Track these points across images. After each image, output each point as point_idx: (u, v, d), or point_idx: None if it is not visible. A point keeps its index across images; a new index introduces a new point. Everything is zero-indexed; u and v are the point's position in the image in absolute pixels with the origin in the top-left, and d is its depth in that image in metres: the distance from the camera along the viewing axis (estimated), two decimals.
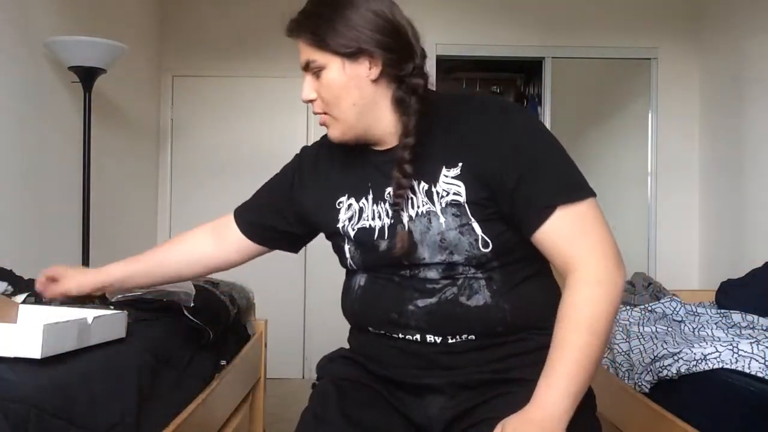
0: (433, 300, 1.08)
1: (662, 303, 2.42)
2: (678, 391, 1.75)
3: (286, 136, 4.24)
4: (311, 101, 1.14)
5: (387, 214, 1.12)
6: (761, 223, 3.18)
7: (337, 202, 1.18)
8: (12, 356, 1.12)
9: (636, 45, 3.93)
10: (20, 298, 1.68)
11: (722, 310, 2.30)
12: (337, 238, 1.20)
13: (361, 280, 1.17)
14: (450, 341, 1.09)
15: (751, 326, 2.12)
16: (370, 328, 1.16)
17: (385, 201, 1.12)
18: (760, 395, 1.51)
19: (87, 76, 2.71)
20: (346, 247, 1.17)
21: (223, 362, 1.95)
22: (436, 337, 1.09)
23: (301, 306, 4.21)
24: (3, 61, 2.41)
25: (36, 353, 1.11)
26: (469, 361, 1.10)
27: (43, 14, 2.70)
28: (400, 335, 1.11)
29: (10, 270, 2.02)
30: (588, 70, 4.16)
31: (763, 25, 3.23)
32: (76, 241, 2.83)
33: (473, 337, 1.09)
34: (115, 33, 2.98)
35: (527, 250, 1.09)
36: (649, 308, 2.40)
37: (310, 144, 1.36)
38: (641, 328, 2.19)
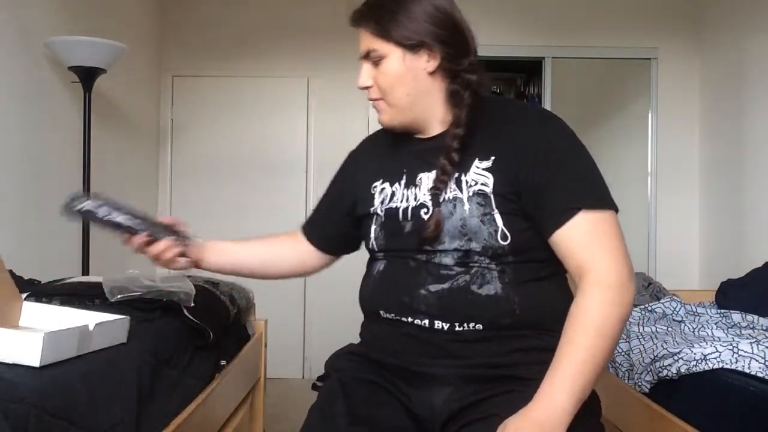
0: (445, 286, 1.10)
1: (662, 303, 2.42)
2: (678, 391, 1.75)
3: (286, 136, 4.24)
4: (367, 88, 1.19)
5: (415, 198, 1.16)
6: (761, 224, 3.18)
7: (373, 186, 1.24)
8: (11, 362, 1.12)
9: (636, 45, 3.93)
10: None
11: (722, 310, 2.30)
12: (367, 220, 1.24)
13: (380, 266, 1.21)
14: (457, 329, 1.10)
15: (751, 326, 2.12)
16: (382, 312, 1.18)
17: (416, 186, 1.17)
18: (760, 395, 1.51)
19: (87, 76, 2.71)
20: (372, 228, 1.22)
21: (223, 362, 1.95)
22: (444, 324, 1.11)
23: (301, 306, 4.21)
24: (3, 61, 2.41)
25: (35, 361, 1.12)
26: (475, 352, 1.11)
27: (43, 14, 2.70)
28: (410, 319, 1.13)
29: (11, 270, 2.01)
30: (588, 70, 4.16)
31: (763, 25, 3.22)
32: (76, 241, 2.83)
33: (480, 326, 1.10)
34: (115, 33, 2.98)
35: (544, 252, 1.12)
36: (649, 308, 2.40)
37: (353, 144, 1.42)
38: (641, 328, 2.19)
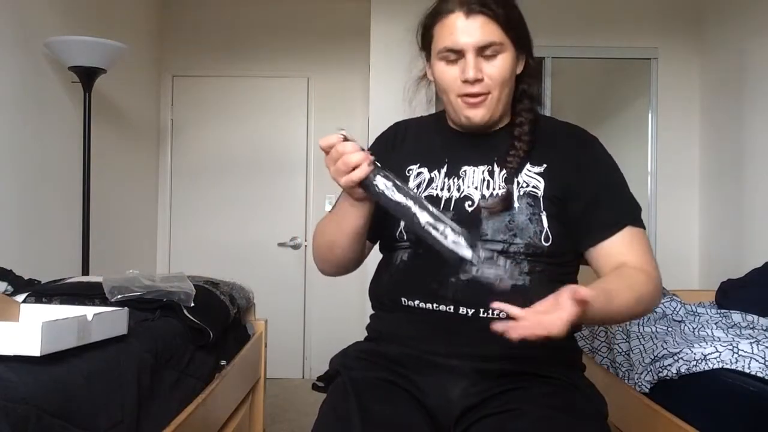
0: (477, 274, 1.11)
1: (662, 303, 2.41)
2: (678, 391, 1.75)
3: (286, 136, 4.24)
4: (477, 81, 1.15)
5: (458, 189, 1.19)
6: (761, 223, 3.18)
7: (407, 169, 1.24)
8: (12, 354, 1.12)
9: (636, 45, 3.92)
10: (20, 297, 1.68)
11: (722, 310, 2.30)
12: None
13: (403, 255, 1.21)
14: (481, 315, 1.11)
15: (751, 326, 2.12)
16: (404, 299, 1.18)
17: (459, 177, 1.20)
18: (760, 395, 1.51)
19: (87, 76, 2.71)
20: None
21: (223, 362, 1.95)
22: (469, 309, 1.12)
23: (301, 306, 4.21)
24: (3, 61, 2.41)
25: (35, 351, 1.11)
26: (495, 341, 1.09)
27: (43, 14, 2.70)
28: (434, 305, 1.14)
29: (10, 270, 2.02)
30: (588, 70, 4.15)
31: (763, 25, 3.22)
32: (76, 241, 2.83)
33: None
34: (115, 33, 2.98)
35: (572, 260, 1.21)
36: None
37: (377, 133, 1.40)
38: (641, 328, 2.19)
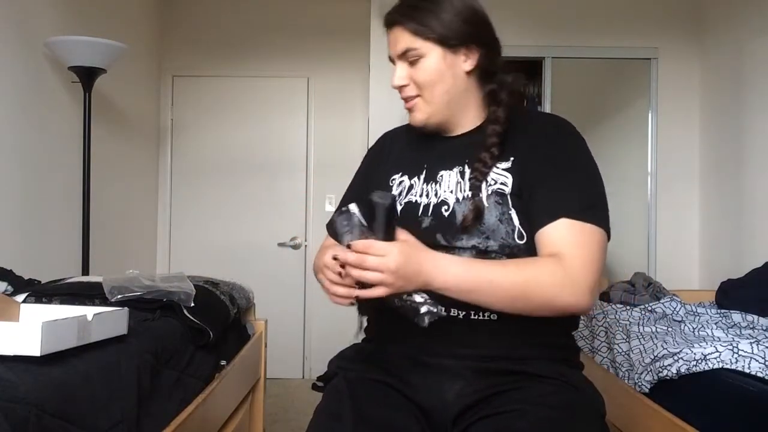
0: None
1: (662, 303, 2.42)
2: (678, 391, 1.75)
3: (286, 136, 4.24)
4: (402, 87, 1.21)
5: (436, 194, 1.19)
6: (761, 223, 3.18)
7: (391, 178, 1.27)
8: (12, 354, 1.12)
9: (636, 45, 3.92)
10: (20, 297, 1.68)
11: (722, 310, 2.30)
12: None
13: None
14: (473, 317, 1.11)
15: (751, 326, 2.12)
16: (396, 301, 1.17)
17: (437, 182, 1.20)
18: (760, 395, 1.51)
19: (87, 76, 2.71)
20: None
21: (223, 362, 1.95)
22: (461, 312, 1.12)
23: (301, 306, 4.21)
24: (3, 61, 2.41)
25: (35, 350, 1.11)
26: (487, 342, 1.12)
27: (43, 14, 2.70)
28: None
29: (10, 270, 2.02)
30: (588, 70, 4.15)
31: (763, 25, 3.22)
32: (76, 241, 2.83)
33: (495, 316, 1.11)
34: (115, 33, 2.98)
35: None
36: (649, 308, 2.40)
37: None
38: (641, 328, 2.19)
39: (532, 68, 4.53)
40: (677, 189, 3.89)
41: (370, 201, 1.01)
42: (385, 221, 1.02)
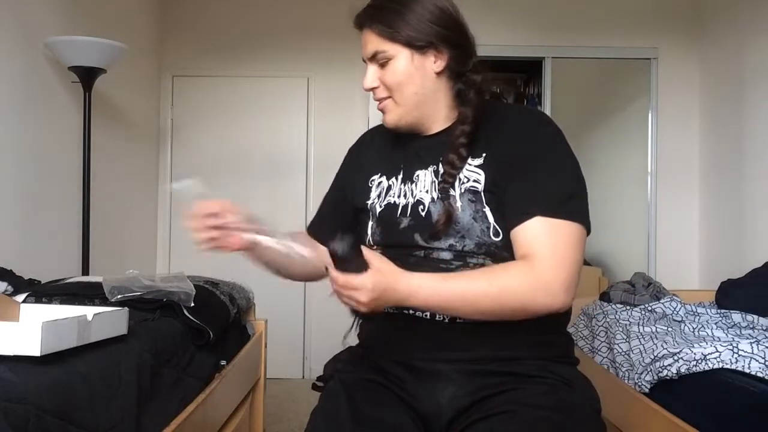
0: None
1: (662, 303, 2.41)
2: (678, 391, 1.75)
3: (286, 136, 4.24)
4: (373, 89, 1.21)
5: (412, 194, 1.19)
6: (761, 223, 3.18)
7: (370, 180, 1.27)
8: (12, 354, 1.12)
9: (636, 45, 3.93)
10: (20, 297, 1.69)
11: (722, 310, 2.30)
12: (363, 215, 1.26)
13: None
14: (458, 320, 1.11)
15: (751, 326, 2.12)
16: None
17: (412, 182, 1.20)
18: (760, 395, 1.51)
19: (87, 76, 2.71)
20: (369, 224, 1.24)
21: (223, 362, 1.95)
22: (445, 316, 1.11)
23: (301, 306, 4.21)
24: (3, 61, 2.41)
25: (35, 351, 1.11)
26: (476, 344, 1.12)
27: (43, 14, 2.70)
28: (411, 311, 1.13)
29: (10, 270, 2.02)
30: (588, 70, 4.16)
31: (763, 25, 3.22)
32: (76, 241, 2.83)
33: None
34: (115, 33, 2.98)
35: None
36: (649, 308, 2.40)
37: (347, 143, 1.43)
38: (641, 328, 2.19)
39: (532, 68, 4.53)
40: (677, 189, 3.90)
41: (332, 250, 0.99)
42: (350, 259, 1.00)
